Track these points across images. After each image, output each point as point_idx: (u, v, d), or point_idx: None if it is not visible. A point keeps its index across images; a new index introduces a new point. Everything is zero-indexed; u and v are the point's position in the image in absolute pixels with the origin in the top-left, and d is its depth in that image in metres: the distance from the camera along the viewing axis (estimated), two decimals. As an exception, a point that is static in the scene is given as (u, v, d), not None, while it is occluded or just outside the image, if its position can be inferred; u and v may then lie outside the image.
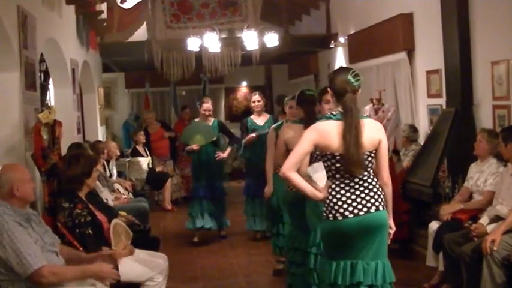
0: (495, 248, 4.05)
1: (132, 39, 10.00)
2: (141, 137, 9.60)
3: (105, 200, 5.48)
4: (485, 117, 5.71)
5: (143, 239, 4.78)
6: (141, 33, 10.04)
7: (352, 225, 3.16)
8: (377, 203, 3.20)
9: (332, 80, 3.29)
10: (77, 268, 3.43)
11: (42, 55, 6.17)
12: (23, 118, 4.92)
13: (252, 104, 6.91)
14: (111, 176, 7.59)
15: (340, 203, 3.19)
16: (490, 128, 5.31)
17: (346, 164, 3.14)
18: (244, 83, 14.29)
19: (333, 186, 3.23)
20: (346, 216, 3.16)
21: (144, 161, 9.34)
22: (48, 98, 7.02)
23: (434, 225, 5.04)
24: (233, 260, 6.23)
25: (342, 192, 3.20)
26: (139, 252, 4.34)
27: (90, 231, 4.07)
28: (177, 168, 10.14)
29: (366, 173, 3.21)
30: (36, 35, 5.36)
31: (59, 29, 6.54)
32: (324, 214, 3.26)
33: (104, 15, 9.17)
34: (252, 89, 13.90)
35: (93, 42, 8.94)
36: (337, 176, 3.22)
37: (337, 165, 3.18)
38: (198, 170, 7.04)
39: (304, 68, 12.24)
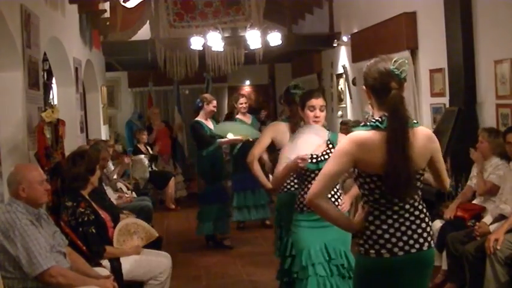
0: (498, 247, 4.06)
1: (135, 38, 9.99)
2: (144, 136, 9.63)
3: (107, 199, 5.50)
4: (488, 116, 5.69)
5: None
6: (144, 32, 10.03)
7: (401, 265, 2.48)
8: (429, 238, 2.54)
9: (368, 74, 2.49)
10: (83, 277, 3.46)
11: (45, 54, 6.17)
12: (26, 117, 4.91)
13: (240, 106, 7.36)
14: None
15: (387, 235, 2.47)
16: (492, 127, 5.29)
17: (392, 185, 2.41)
18: (248, 82, 14.28)
19: (376, 213, 2.49)
20: (395, 254, 2.46)
21: (147, 159, 9.35)
22: (51, 97, 7.00)
23: (437, 224, 5.03)
24: (237, 259, 6.23)
25: (389, 221, 2.48)
26: (143, 251, 4.36)
27: (94, 230, 4.09)
28: (178, 167, 10.22)
29: (416, 196, 2.56)
30: (39, 33, 5.36)
31: (62, 28, 6.54)
32: (362, 249, 2.53)
33: (107, 14, 9.16)
34: (256, 87, 13.94)
35: (97, 41, 8.95)
36: (382, 201, 2.48)
37: (384, 188, 2.45)
38: (213, 172, 6.59)
39: (307, 67, 12.23)
